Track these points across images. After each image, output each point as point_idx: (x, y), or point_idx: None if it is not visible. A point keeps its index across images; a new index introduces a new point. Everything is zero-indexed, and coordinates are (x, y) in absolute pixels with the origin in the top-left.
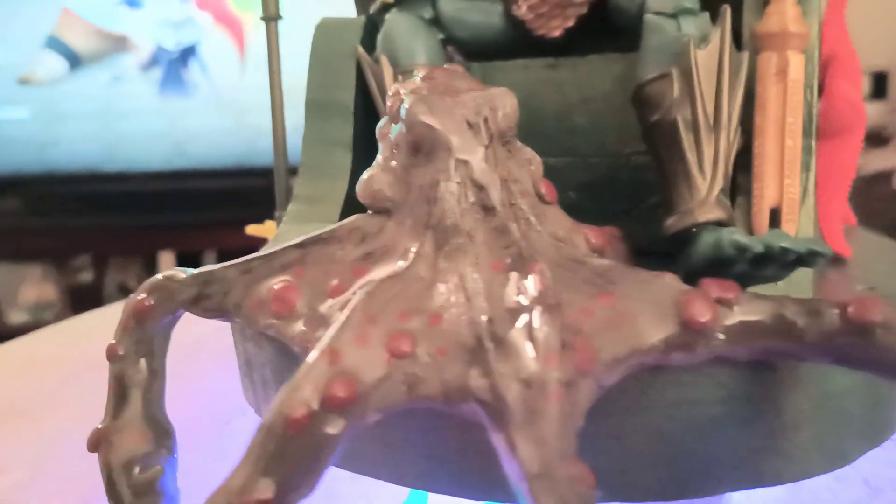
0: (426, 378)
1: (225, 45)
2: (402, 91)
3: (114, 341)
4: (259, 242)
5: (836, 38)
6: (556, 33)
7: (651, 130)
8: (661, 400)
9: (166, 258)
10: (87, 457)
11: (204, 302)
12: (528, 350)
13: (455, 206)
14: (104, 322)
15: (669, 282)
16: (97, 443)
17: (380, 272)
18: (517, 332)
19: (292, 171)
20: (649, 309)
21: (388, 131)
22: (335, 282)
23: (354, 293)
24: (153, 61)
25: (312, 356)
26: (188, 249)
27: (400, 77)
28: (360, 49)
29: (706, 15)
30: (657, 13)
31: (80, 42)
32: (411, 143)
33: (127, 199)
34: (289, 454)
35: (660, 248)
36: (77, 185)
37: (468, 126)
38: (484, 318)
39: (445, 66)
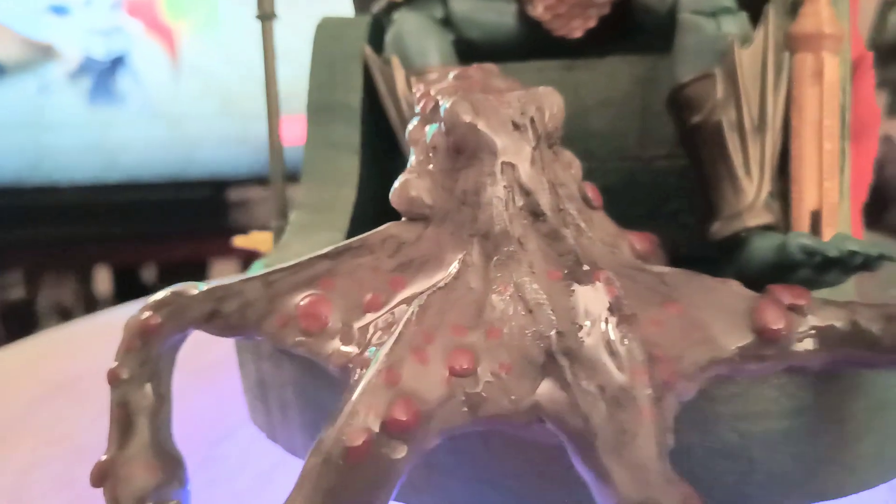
0: (490, 397)
1: (157, 54)
2: (433, 91)
3: (115, 363)
4: (242, 254)
5: (857, 39)
6: (578, 34)
7: (692, 132)
8: (729, 413)
9: (102, 274)
10: (71, 484)
11: (220, 319)
12: (612, 365)
13: (503, 212)
14: (55, 344)
15: (737, 289)
16: (103, 476)
17: (423, 283)
18: (595, 346)
19: (226, 184)
20: (721, 317)
21: (422, 134)
22: (370, 294)
23: (397, 307)
24: (82, 70)
25: (368, 376)
26: (125, 264)
27: (413, 78)
28: (369, 49)
29: (744, 14)
30: (694, 12)
31: (5, 51)
32: (452, 145)
33: (58, 213)
34: (349, 485)
35: (685, 252)
36: (5, 198)
37: (514, 126)
38: (553, 331)
39: (477, 64)
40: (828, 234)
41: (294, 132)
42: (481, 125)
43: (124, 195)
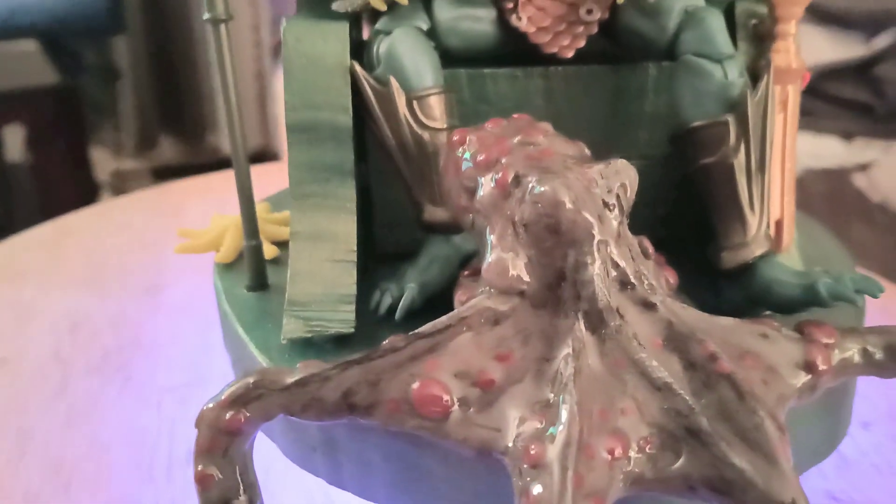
0: (641, 471)
1: None
2: (504, 160)
3: (199, 466)
4: None
5: None
6: (569, 54)
7: (702, 170)
8: None
9: None
10: None
11: (318, 408)
12: (754, 440)
13: (603, 287)
14: None
15: (787, 333)
16: None
17: (536, 360)
18: (733, 422)
19: None
20: (783, 362)
21: (504, 207)
22: (479, 372)
23: (523, 385)
24: None
25: (558, 482)
26: None
27: (415, 103)
28: (358, 67)
29: (741, 57)
30: (699, 55)
31: None
32: (550, 227)
33: None
34: None
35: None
36: None
37: (604, 205)
38: (689, 410)
39: (531, 121)
40: (787, 239)
41: None
42: (582, 210)
43: None
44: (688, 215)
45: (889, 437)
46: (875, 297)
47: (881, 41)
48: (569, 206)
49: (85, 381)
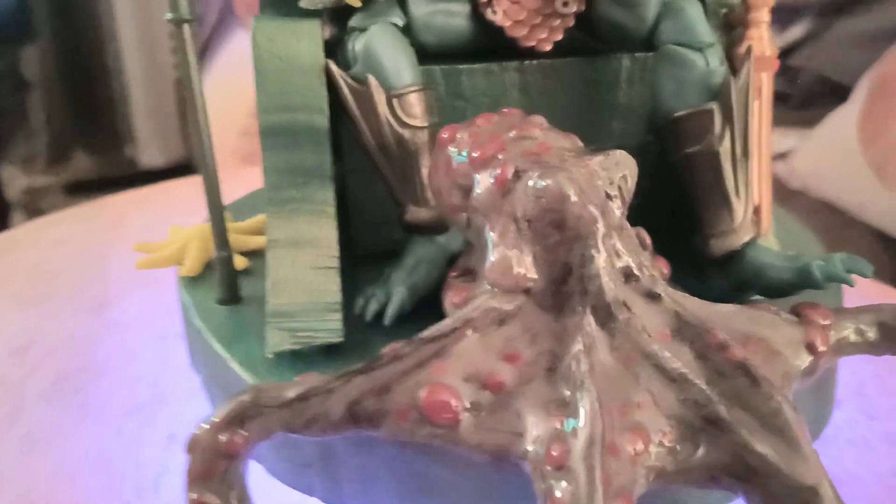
0: (663, 465)
1: None
2: (501, 156)
3: (194, 494)
4: None
5: None
6: (547, 47)
7: (687, 159)
8: None
9: None
10: None
11: (323, 423)
12: (774, 426)
13: (609, 280)
14: None
15: (785, 316)
16: None
17: (545, 357)
18: (754, 410)
19: None
20: (785, 347)
21: (503, 204)
22: (489, 374)
23: (535, 385)
24: None
25: (584, 481)
26: None
27: (395, 101)
28: (335, 67)
29: (719, 45)
30: (680, 44)
31: None
32: (555, 222)
33: None
34: None
35: None
36: None
37: (607, 197)
38: (707, 401)
39: (522, 114)
40: (766, 224)
41: None
42: (587, 204)
43: None
44: (663, 204)
45: (861, 413)
46: (866, 276)
47: (795, 31)
48: (574, 199)
49: (39, 407)
